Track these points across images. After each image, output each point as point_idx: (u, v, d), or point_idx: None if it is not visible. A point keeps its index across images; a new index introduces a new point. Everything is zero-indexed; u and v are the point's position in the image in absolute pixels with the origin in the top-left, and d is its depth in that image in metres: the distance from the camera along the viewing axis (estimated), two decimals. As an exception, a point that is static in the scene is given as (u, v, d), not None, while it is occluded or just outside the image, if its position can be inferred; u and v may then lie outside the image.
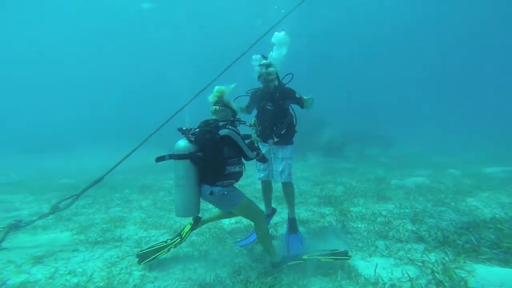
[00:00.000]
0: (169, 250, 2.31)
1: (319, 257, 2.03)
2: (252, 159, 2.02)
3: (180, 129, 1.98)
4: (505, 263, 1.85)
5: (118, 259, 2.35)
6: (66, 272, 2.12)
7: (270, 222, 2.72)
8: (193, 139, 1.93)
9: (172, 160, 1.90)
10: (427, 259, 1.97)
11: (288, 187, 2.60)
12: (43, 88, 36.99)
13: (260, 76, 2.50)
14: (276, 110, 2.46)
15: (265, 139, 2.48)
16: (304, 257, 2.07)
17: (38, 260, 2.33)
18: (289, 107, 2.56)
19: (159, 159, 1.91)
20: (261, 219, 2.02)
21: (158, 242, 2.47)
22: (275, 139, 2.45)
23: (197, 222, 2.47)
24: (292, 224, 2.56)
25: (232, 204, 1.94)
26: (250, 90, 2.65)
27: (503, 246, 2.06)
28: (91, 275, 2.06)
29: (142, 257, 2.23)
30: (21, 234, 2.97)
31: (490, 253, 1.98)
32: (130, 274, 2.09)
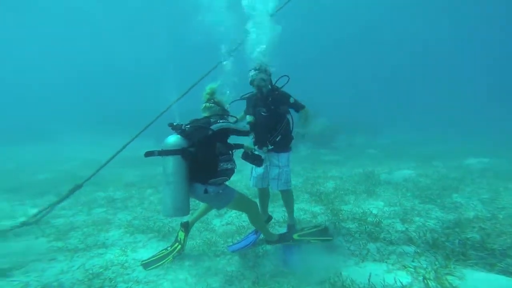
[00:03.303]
0: (173, 257, 2.29)
1: (308, 238, 2.41)
2: (249, 132, 2.10)
3: (170, 124, 1.91)
4: (490, 266, 1.90)
5: (101, 270, 2.20)
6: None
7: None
8: (184, 134, 1.86)
9: (160, 156, 1.80)
10: (418, 264, 1.99)
11: (286, 195, 2.53)
12: (17, 74, 33.63)
13: (252, 81, 2.33)
14: (270, 116, 2.32)
15: (260, 146, 2.37)
16: (295, 236, 2.41)
17: (4, 273, 2.10)
18: (287, 112, 2.41)
19: (148, 154, 1.79)
20: (254, 210, 2.18)
21: (159, 251, 2.41)
22: (270, 147, 2.35)
23: (187, 226, 2.43)
24: (291, 230, 2.57)
25: (226, 202, 1.95)
26: (245, 95, 2.48)
27: (488, 248, 2.14)
28: (69, 291, 1.89)
29: (146, 265, 2.23)
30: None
31: (476, 256, 2.04)
32: (114, 287, 1.96)
